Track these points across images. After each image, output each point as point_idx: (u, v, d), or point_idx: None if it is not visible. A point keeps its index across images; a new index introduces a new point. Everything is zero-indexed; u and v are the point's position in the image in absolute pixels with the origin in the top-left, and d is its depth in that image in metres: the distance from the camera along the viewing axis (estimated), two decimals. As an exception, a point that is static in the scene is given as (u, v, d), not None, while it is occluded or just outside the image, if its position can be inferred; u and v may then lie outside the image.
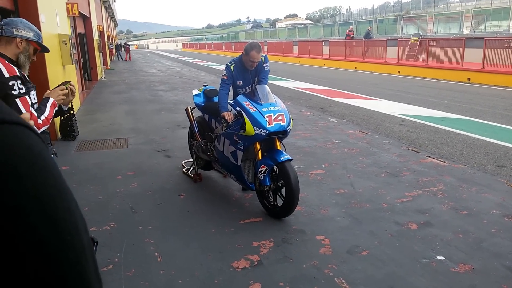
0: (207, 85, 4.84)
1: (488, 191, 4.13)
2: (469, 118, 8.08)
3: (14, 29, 2.27)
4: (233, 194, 4.18)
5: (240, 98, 3.74)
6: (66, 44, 7.50)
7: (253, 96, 3.72)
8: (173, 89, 13.15)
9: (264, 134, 3.45)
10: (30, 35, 2.33)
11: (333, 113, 8.77)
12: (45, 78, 5.89)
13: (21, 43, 2.30)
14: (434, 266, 2.80)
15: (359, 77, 17.12)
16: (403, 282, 2.62)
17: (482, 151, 5.77)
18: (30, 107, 2.23)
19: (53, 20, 7.15)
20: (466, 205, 3.80)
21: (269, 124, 3.46)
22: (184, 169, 4.87)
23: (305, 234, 3.26)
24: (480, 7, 24.27)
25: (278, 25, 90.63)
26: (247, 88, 4.06)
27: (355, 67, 21.39)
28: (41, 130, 2.27)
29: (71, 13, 9.27)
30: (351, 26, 26.57)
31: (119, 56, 34.59)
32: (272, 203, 3.58)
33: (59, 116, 3.27)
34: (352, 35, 24.53)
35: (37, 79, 4.91)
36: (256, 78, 4.07)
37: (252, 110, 3.55)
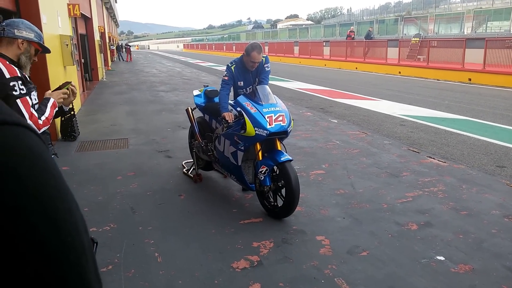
0: (207, 86, 4.84)
1: (489, 192, 4.13)
2: (470, 118, 8.07)
3: (15, 30, 2.28)
4: (233, 195, 4.19)
5: (241, 98, 3.74)
6: (67, 44, 7.52)
7: (253, 97, 3.73)
8: (174, 90, 13.16)
9: (265, 134, 3.46)
10: (31, 36, 2.34)
11: (334, 114, 8.77)
12: (46, 79, 5.91)
13: (23, 44, 2.31)
14: (434, 266, 2.80)
15: (359, 78, 17.11)
16: (403, 282, 2.62)
17: (483, 151, 5.76)
18: (31, 108, 2.24)
19: (54, 21, 7.17)
20: (467, 206, 3.80)
21: (269, 125, 3.46)
22: (184, 170, 4.87)
23: (305, 235, 3.27)
24: (481, 8, 24.25)
25: (279, 25, 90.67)
26: (247, 88, 4.06)
27: (356, 68, 21.38)
28: (42, 130, 2.28)
29: (72, 14, 9.29)
30: (352, 27, 26.54)
31: (120, 57, 34.62)
32: (272, 204, 3.58)
33: (59, 117, 3.27)
34: (353, 36, 24.52)
35: (38, 79, 4.92)
36: (256, 79, 4.07)
37: (252, 110, 3.56)
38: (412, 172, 4.74)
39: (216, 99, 4.38)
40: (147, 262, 2.88)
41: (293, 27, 49.31)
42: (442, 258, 2.90)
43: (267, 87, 3.81)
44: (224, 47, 49.03)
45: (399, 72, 18.16)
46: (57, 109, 2.44)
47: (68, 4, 9.18)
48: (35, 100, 2.33)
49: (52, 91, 2.50)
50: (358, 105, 9.88)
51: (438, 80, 15.61)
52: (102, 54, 17.69)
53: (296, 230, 3.35)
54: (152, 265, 2.84)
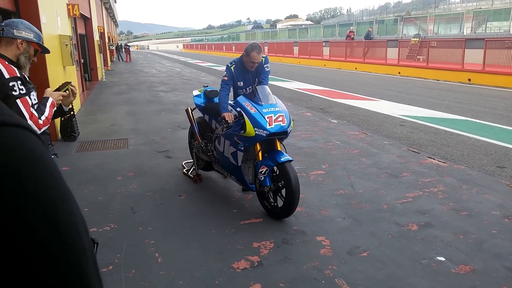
0: (207, 86, 4.84)
1: (489, 192, 4.13)
2: (470, 119, 8.08)
3: (14, 30, 2.28)
4: (233, 195, 4.18)
5: (241, 99, 3.74)
6: (66, 45, 7.51)
7: (253, 97, 3.73)
8: (173, 90, 13.16)
9: (265, 134, 3.46)
10: (30, 36, 2.33)
11: (334, 114, 8.77)
12: (46, 79, 5.90)
13: (22, 44, 2.31)
14: (435, 267, 2.80)
15: (359, 78, 17.12)
16: (404, 283, 2.62)
17: (483, 152, 5.77)
18: (31, 108, 2.23)
19: (53, 21, 7.16)
20: (467, 206, 3.80)
21: (269, 125, 3.46)
22: (184, 170, 4.87)
23: (305, 235, 3.26)
24: (480, 8, 24.27)
25: (279, 26, 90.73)
26: (247, 89, 4.06)
27: (356, 68, 21.39)
28: (42, 130, 2.28)
29: (72, 14, 9.29)
30: (351, 27, 26.54)
31: (120, 57, 34.63)
32: (273, 204, 3.58)
33: (59, 117, 3.26)
34: (352, 36, 24.53)
35: (37, 79, 4.92)
36: (256, 79, 4.07)
37: (252, 111, 3.56)
38: (412, 173, 4.74)
39: (216, 99, 4.38)
40: (147, 262, 2.88)
41: (293, 27, 49.35)
42: (442, 258, 2.90)
43: (266, 87, 3.81)
44: (224, 47, 49.05)
45: (399, 73, 18.17)
46: (55, 108, 2.43)
47: (68, 4, 9.18)
48: (35, 100, 2.33)
49: (52, 91, 2.50)
50: (358, 106, 9.89)
51: (437, 80, 15.62)
52: (101, 54, 17.69)
53: (296, 230, 3.35)
54: (152, 266, 2.84)
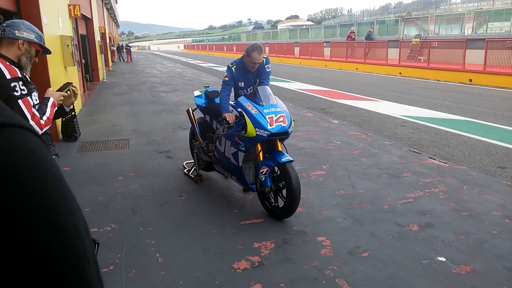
0: (208, 86, 4.85)
1: (490, 192, 4.13)
2: (471, 119, 8.07)
3: (16, 31, 2.28)
4: (234, 195, 4.19)
5: (242, 99, 3.75)
6: (68, 45, 7.52)
7: (254, 97, 3.73)
8: (174, 90, 13.17)
9: (265, 135, 3.46)
10: (32, 37, 2.34)
11: (334, 114, 8.77)
12: (47, 80, 5.91)
13: (23, 44, 2.31)
14: (435, 267, 2.80)
15: (360, 78, 17.12)
16: (404, 283, 2.62)
17: (484, 152, 5.76)
18: (32, 108, 2.24)
19: (55, 22, 7.18)
20: (467, 206, 3.80)
21: (270, 125, 3.46)
22: (185, 170, 4.88)
23: (306, 235, 3.26)
24: (481, 8, 24.24)
25: (280, 26, 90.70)
26: (248, 89, 4.07)
27: (357, 68, 21.38)
28: (44, 130, 2.28)
29: (73, 15, 9.30)
30: (352, 28, 26.53)
31: (121, 58, 34.67)
32: (273, 204, 3.58)
33: (61, 117, 3.27)
34: (353, 36, 24.52)
35: (39, 80, 4.92)
36: (257, 79, 4.07)
37: (253, 111, 3.56)
38: (413, 173, 4.74)
39: (217, 100, 4.38)
40: (148, 262, 2.88)
41: (294, 28, 49.33)
42: (443, 259, 2.90)
43: (267, 87, 3.81)
44: (225, 47, 49.05)
45: (400, 73, 18.16)
46: (56, 108, 2.44)
47: (69, 5, 9.19)
48: (36, 100, 2.33)
49: (53, 91, 2.50)
50: (359, 106, 9.88)
51: (438, 81, 15.61)
52: (102, 55, 17.71)
53: (297, 230, 3.35)
54: (153, 266, 2.84)
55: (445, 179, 4.52)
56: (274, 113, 3.55)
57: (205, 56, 47.69)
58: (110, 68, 22.69)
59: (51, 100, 2.41)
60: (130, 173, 4.83)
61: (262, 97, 3.67)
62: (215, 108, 4.22)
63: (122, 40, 76.32)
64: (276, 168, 3.54)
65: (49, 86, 5.58)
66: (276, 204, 3.56)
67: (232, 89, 4.06)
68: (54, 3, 7.22)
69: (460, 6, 28.66)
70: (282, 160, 3.45)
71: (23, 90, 2.20)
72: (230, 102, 3.94)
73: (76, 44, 10.01)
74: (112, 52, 28.74)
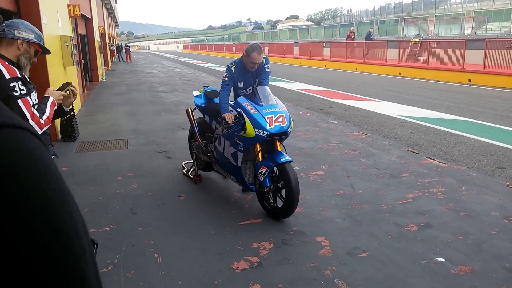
0: (207, 87, 4.85)
1: (488, 193, 4.13)
2: (470, 119, 8.08)
3: (15, 31, 2.28)
4: (233, 195, 4.19)
5: (241, 99, 3.75)
6: (67, 45, 7.52)
7: (253, 98, 3.73)
8: (173, 90, 13.16)
9: (265, 135, 3.46)
10: (31, 37, 2.34)
11: (334, 115, 8.77)
12: (46, 79, 5.91)
13: (22, 44, 2.31)
14: (434, 267, 2.80)
15: (359, 79, 17.12)
16: (403, 283, 2.62)
17: (483, 152, 5.77)
18: (32, 108, 2.24)
19: (54, 22, 7.17)
20: (466, 207, 3.80)
21: (269, 126, 3.46)
22: (184, 170, 4.87)
23: (305, 236, 3.26)
24: (481, 9, 24.25)
25: (279, 26, 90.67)
26: (248, 89, 4.07)
27: (356, 69, 21.39)
28: (43, 130, 2.28)
29: (72, 15, 9.30)
30: (352, 28, 26.55)
31: (120, 58, 34.66)
32: (272, 204, 3.58)
33: (60, 117, 3.27)
34: (353, 37, 24.53)
35: (38, 80, 4.92)
36: (257, 80, 4.08)
37: (252, 111, 3.56)
38: (412, 173, 4.74)
39: (216, 100, 4.38)
40: (147, 263, 2.88)
41: (293, 28, 49.33)
42: (442, 259, 2.90)
43: (267, 87, 3.81)
44: (224, 47, 49.05)
45: (399, 73, 18.17)
46: (56, 107, 2.44)
47: (69, 5, 9.19)
48: (35, 100, 2.33)
49: (53, 91, 2.50)
50: (358, 106, 9.89)
51: (438, 81, 15.62)
52: (102, 55, 17.71)
53: (296, 231, 3.35)
54: (151, 266, 2.84)
55: (444, 179, 4.52)
56: (274, 113, 3.55)
57: (205, 56, 47.68)
58: (110, 68, 22.68)
59: (51, 99, 2.41)
60: (129, 173, 4.83)
61: (262, 97, 3.67)
62: (215, 108, 4.22)
63: (122, 40, 76.30)
64: (275, 168, 3.53)
65: (49, 86, 5.57)
66: (275, 204, 3.56)
67: (232, 89, 4.06)
68: (53, 3, 7.22)
69: (459, 6, 28.68)
70: (281, 160, 3.45)
71: (23, 90, 2.20)
72: (230, 102, 3.94)
73: (75, 44, 10.00)
74: (112, 52, 28.72)
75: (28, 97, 2.23)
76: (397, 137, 6.71)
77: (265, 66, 4.02)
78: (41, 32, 2.47)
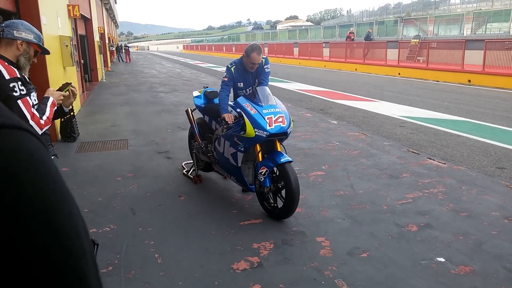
0: (207, 87, 4.85)
1: (489, 193, 4.13)
2: (470, 120, 8.08)
3: (14, 31, 2.28)
4: (233, 196, 4.18)
5: (241, 99, 3.75)
6: (67, 45, 7.52)
7: (253, 98, 3.73)
8: (173, 91, 13.16)
9: (265, 135, 3.46)
10: (30, 37, 2.33)
11: (334, 115, 8.77)
12: (46, 80, 5.90)
13: (22, 45, 2.31)
14: (434, 268, 2.80)
15: (359, 79, 17.13)
16: (403, 283, 2.62)
17: (482, 152, 5.77)
18: (32, 108, 2.23)
19: (54, 22, 7.17)
20: (466, 207, 3.80)
21: (269, 126, 3.46)
22: (184, 171, 4.87)
23: (305, 236, 3.26)
24: (480, 9, 24.27)
25: (279, 27, 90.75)
26: (247, 89, 4.07)
27: (356, 69, 21.40)
28: (43, 130, 2.28)
29: (72, 15, 9.30)
30: (351, 28, 26.57)
31: (120, 58, 34.66)
32: (272, 205, 3.58)
33: (60, 118, 3.27)
34: (352, 37, 24.56)
35: (37, 80, 4.92)
36: (256, 80, 4.08)
37: (252, 111, 3.56)
38: (412, 174, 4.74)
39: (216, 100, 4.38)
40: (147, 263, 2.88)
41: (293, 28, 49.38)
42: (442, 259, 2.90)
43: (267, 88, 3.81)
44: (224, 48, 49.05)
45: (399, 73, 18.18)
46: (56, 108, 2.43)
47: (68, 5, 9.19)
48: (35, 100, 2.33)
49: (53, 91, 2.50)
50: (358, 106, 9.89)
51: (437, 81, 15.63)
52: (101, 55, 17.70)
53: (296, 231, 3.35)
54: (152, 266, 2.83)
55: (444, 180, 4.52)
56: (273, 113, 3.55)
57: (204, 56, 47.69)
58: (109, 69, 22.68)
59: (51, 99, 2.41)
60: (129, 174, 4.83)
61: (261, 97, 3.67)
62: (214, 109, 4.22)
63: (121, 41, 76.35)
64: (275, 169, 3.53)
65: (48, 87, 5.57)
66: (275, 205, 3.56)
67: (232, 89, 4.06)
68: (53, 3, 7.22)
69: (459, 6, 28.71)
70: (281, 160, 3.45)
71: (22, 90, 2.20)
72: (229, 102, 3.94)
73: (75, 45, 10.00)
74: (111, 52, 28.72)
75: (28, 98, 2.22)
76: (397, 137, 6.71)
77: (264, 67, 4.02)
78: (41, 32, 2.47)
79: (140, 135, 6.84)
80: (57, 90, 2.54)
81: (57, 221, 0.40)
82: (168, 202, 3.98)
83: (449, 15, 24.88)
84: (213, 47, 57.04)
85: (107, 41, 23.78)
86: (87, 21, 14.81)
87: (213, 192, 4.32)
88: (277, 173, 3.55)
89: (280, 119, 3.53)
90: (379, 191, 4.22)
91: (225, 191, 4.34)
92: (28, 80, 2.33)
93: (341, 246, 3.10)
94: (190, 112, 4.68)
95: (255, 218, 3.60)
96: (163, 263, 2.88)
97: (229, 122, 3.73)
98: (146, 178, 4.66)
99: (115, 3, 41.22)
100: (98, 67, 16.31)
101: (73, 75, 8.66)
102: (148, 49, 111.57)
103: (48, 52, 2.52)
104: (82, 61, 12.36)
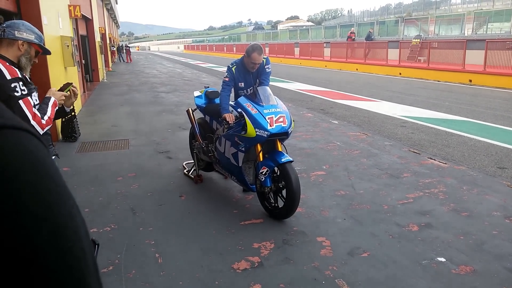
0: (208, 87, 4.85)
1: (489, 193, 4.12)
2: (471, 119, 8.07)
3: (16, 32, 2.29)
4: (234, 196, 4.19)
5: (242, 99, 3.75)
6: (68, 46, 7.53)
7: (254, 98, 3.73)
8: (174, 91, 13.17)
9: (265, 135, 3.46)
10: (31, 37, 2.34)
11: (334, 115, 8.77)
12: (47, 80, 5.91)
13: (23, 45, 2.31)
14: (435, 267, 2.80)
15: (360, 79, 17.12)
16: (404, 283, 2.62)
17: (483, 152, 5.76)
18: (33, 108, 2.24)
19: (55, 22, 7.18)
20: (467, 207, 3.80)
21: (270, 126, 3.47)
22: (185, 171, 4.88)
23: (305, 236, 3.26)
24: (481, 9, 24.24)
25: (280, 27, 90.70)
26: (248, 89, 4.07)
27: (357, 69, 21.38)
28: (45, 130, 2.28)
29: (73, 15, 9.31)
30: (352, 28, 26.54)
31: (121, 58, 34.70)
32: (273, 205, 3.58)
33: (61, 118, 3.27)
34: (353, 37, 24.54)
35: (39, 80, 4.93)
36: (257, 80, 4.08)
37: (253, 111, 3.56)
38: (413, 173, 4.74)
39: (217, 100, 4.39)
40: (147, 263, 2.88)
41: (294, 28, 49.32)
42: (443, 259, 2.90)
43: (267, 88, 3.82)
44: (225, 48, 49.05)
45: (400, 73, 18.16)
46: (57, 108, 2.44)
47: (69, 5, 9.20)
48: (36, 100, 2.33)
49: (55, 91, 2.51)
50: (359, 106, 9.88)
51: (438, 81, 15.61)
52: (102, 55, 17.72)
53: (297, 231, 3.35)
54: (152, 266, 2.84)
55: (445, 180, 4.52)
56: (274, 113, 3.55)
57: (205, 56, 47.70)
58: (110, 69, 22.70)
59: (52, 99, 2.41)
60: (130, 174, 4.83)
61: (262, 97, 3.67)
62: (215, 109, 4.22)
63: (122, 41, 76.40)
64: (276, 169, 3.54)
65: (49, 87, 5.59)
66: (276, 205, 3.56)
67: (232, 89, 4.07)
68: (54, 3, 7.23)
69: (460, 6, 28.67)
70: (282, 160, 3.45)
71: (24, 90, 2.20)
72: (230, 102, 3.94)
73: (76, 45, 10.02)
74: (112, 52, 28.75)
75: (29, 98, 2.23)
76: (398, 137, 6.71)
77: (265, 67, 4.02)
78: (42, 32, 2.47)
79: (141, 135, 6.84)
80: (58, 90, 2.54)
81: (57, 222, 0.40)
82: (168, 202, 3.99)
83: (450, 15, 24.84)
84: (214, 47, 57.04)
85: (108, 41, 23.81)
86: (88, 21, 14.83)
87: (214, 192, 4.32)
88: (278, 173, 3.55)
89: (281, 119, 3.53)
90: (380, 191, 4.22)
91: (225, 191, 4.34)
92: (29, 80, 2.34)
93: (342, 246, 3.10)
94: (191, 112, 4.68)
95: (256, 218, 3.61)
96: (164, 263, 2.88)
97: (230, 122, 3.74)
98: (147, 178, 4.67)
99: (116, 3, 41.27)
100: (99, 67, 16.33)
101: (74, 75, 8.67)
102: (149, 49, 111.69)
103: (49, 53, 2.52)
104: (83, 61, 12.38)
